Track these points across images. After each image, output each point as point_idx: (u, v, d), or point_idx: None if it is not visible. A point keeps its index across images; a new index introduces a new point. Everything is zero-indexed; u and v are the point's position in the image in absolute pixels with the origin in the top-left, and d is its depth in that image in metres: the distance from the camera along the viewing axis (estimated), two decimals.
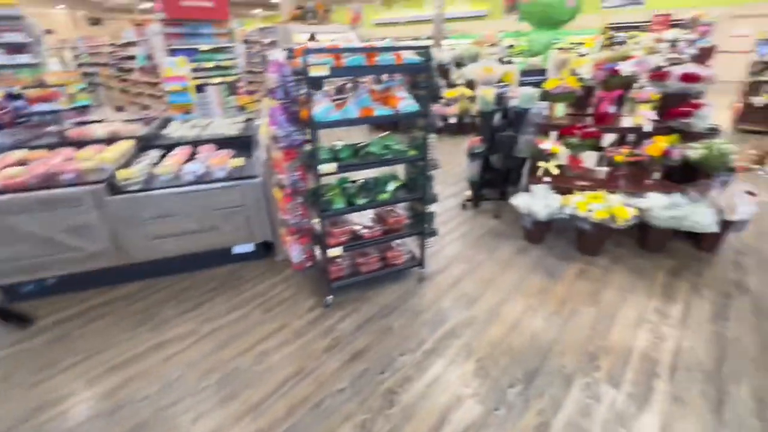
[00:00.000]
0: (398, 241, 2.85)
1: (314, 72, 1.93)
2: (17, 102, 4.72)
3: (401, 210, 2.82)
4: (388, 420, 1.81)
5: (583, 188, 3.16)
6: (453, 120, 6.96)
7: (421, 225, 2.71)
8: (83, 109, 5.86)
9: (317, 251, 2.55)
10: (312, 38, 7.50)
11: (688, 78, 3.09)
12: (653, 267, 2.91)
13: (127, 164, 2.85)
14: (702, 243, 3.06)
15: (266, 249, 3.15)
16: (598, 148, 3.71)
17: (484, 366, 2.09)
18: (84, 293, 2.74)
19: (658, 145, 2.99)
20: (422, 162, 2.49)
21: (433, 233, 2.79)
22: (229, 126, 3.93)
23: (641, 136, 3.30)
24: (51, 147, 3.15)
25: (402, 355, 2.17)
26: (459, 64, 6.85)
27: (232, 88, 6.72)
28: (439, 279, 2.86)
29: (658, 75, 3.19)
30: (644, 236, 3.10)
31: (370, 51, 2.10)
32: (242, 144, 3.34)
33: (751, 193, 2.90)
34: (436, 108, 6.95)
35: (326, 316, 2.48)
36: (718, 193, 2.93)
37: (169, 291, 2.77)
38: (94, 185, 2.50)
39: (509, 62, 6.94)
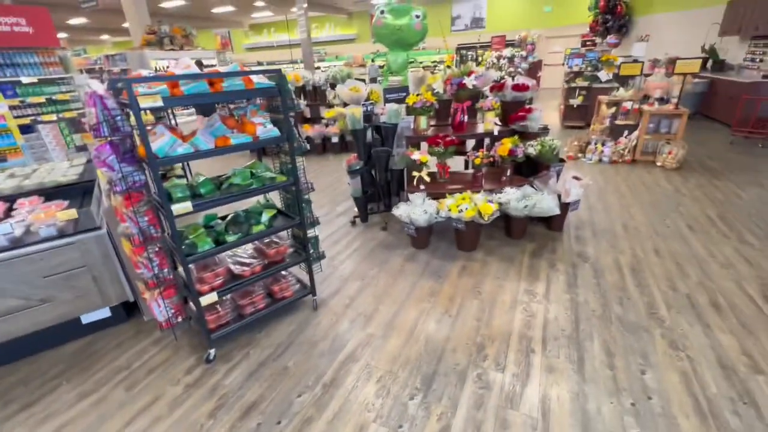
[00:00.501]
0: (285, 272, 2.69)
1: (144, 103, 1.70)
2: None
3: (283, 239, 2.67)
4: None
5: (453, 191, 3.44)
6: (335, 139, 7.04)
7: (306, 251, 2.60)
8: None
9: (188, 302, 2.24)
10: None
11: (518, 88, 3.63)
12: (519, 252, 3.29)
13: None
14: (552, 224, 3.59)
15: (128, 310, 2.67)
16: (463, 153, 4.11)
17: (384, 384, 2.06)
18: None
19: (504, 146, 3.43)
20: (294, 187, 2.40)
21: (319, 257, 2.71)
22: (63, 171, 3.27)
23: (492, 139, 3.76)
24: None
25: (300, 395, 2.02)
26: (333, 84, 6.99)
27: (74, 125, 5.69)
28: (333, 302, 2.78)
29: (496, 87, 3.69)
30: (508, 226, 3.50)
31: (214, 77, 1.94)
32: (80, 192, 2.80)
33: (577, 178, 3.52)
34: (312, 129, 6.95)
35: (209, 374, 2.18)
36: (554, 181, 3.48)
37: None
38: None
39: (376, 81, 7.35)
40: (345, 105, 6.81)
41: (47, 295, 2.25)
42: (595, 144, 5.70)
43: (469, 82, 3.56)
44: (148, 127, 1.88)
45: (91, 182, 2.91)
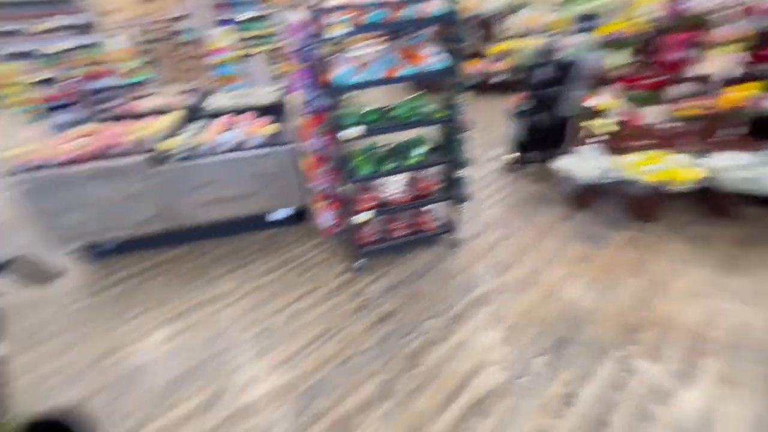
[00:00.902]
0: (431, 207, 2.80)
1: (333, 32, 1.87)
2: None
3: (433, 174, 2.74)
4: (410, 380, 1.86)
5: (641, 147, 2.84)
6: (499, 77, 6.48)
7: (453, 190, 2.62)
8: (141, 83, 6.26)
9: (347, 217, 2.58)
10: None
11: None
12: (717, 236, 2.59)
13: (172, 136, 3.03)
14: None
15: (303, 215, 3.26)
16: (660, 102, 3.26)
17: (512, 334, 2.05)
18: (145, 253, 3.06)
19: (736, 95, 2.56)
20: (452, 124, 2.37)
21: (464, 199, 2.70)
22: (267, 94, 4.01)
23: (717, 84, 2.85)
24: (113, 119, 3.43)
25: (429, 319, 2.19)
26: (504, 15, 6.26)
27: (275, 56, 6.78)
28: (473, 245, 2.79)
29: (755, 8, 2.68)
30: (710, 200, 2.75)
31: (395, 4, 1.97)
32: (278, 111, 3.40)
33: None
34: (476, 65, 6.50)
35: (355, 280, 2.55)
36: None
37: (215, 253, 3.00)
38: (137, 157, 2.71)
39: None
40: (522, 37, 6.11)
41: (253, 190, 2.93)
42: None
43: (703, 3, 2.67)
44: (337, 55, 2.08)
45: (282, 105, 3.49)
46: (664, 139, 2.91)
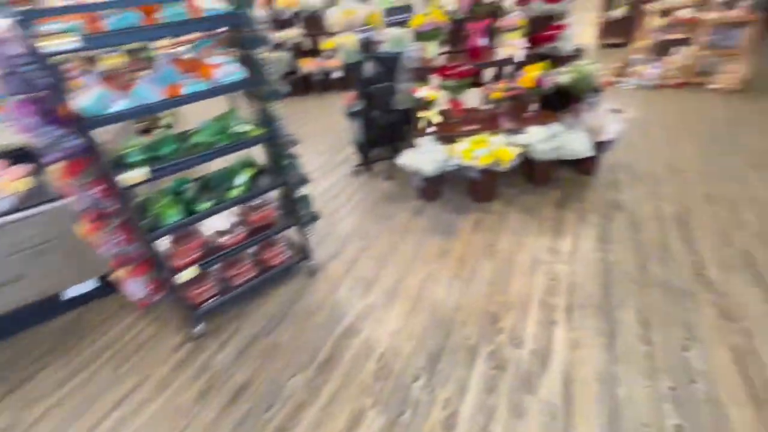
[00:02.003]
0: (276, 237, 2.42)
1: (54, 46, 1.30)
2: None
3: (270, 201, 2.36)
4: None
5: (467, 133, 2.96)
6: (337, 74, 6.36)
7: (296, 213, 2.30)
8: None
9: (166, 278, 2.02)
10: None
11: None
12: (542, 202, 2.89)
13: None
14: (582, 168, 3.11)
15: (113, 283, 2.51)
16: (480, 85, 3.52)
17: (386, 362, 1.86)
18: None
19: (530, 75, 2.85)
20: (273, 141, 2.02)
21: (313, 219, 2.41)
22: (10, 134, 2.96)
23: (515, 67, 3.15)
24: None
25: (292, 377, 1.84)
26: (323, 10, 6.11)
27: None
28: (332, 266, 2.53)
29: None
30: (531, 171, 3.06)
31: (147, 3, 1.49)
32: (32, 156, 2.51)
33: (617, 111, 2.95)
34: (310, 63, 6.25)
35: (198, 351, 2.03)
36: (588, 116, 2.93)
37: None
38: None
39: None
40: (345, 32, 6.04)
41: (18, 272, 2.08)
42: (636, 65, 4.88)
43: None
44: (75, 79, 1.50)
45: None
46: (486, 123, 3.10)
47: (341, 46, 3.00)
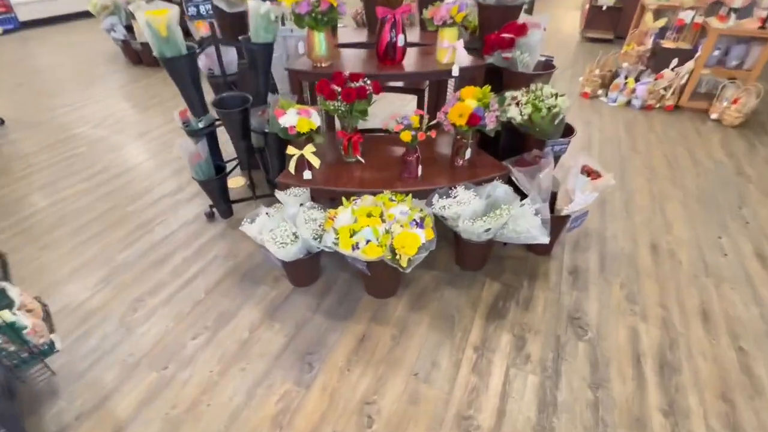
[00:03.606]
0: None
1: None
2: None
3: None
4: None
5: (358, 192, 1.86)
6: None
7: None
8: None
9: None
10: None
11: None
12: (467, 302, 1.87)
13: None
14: (532, 247, 2.12)
15: None
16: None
17: None
18: None
19: (461, 106, 1.75)
20: None
21: (32, 360, 1.28)
22: None
23: (446, 85, 2.03)
24: None
25: None
26: None
27: None
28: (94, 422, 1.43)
29: None
30: (459, 249, 2.03)
31: None
32: None
33: (591, 172, 1.92)
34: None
35: None
36: (549, 173, 1.89)
37: None
38: None
39: None
40: None
41: None
42: (626, 77, 3.86)
43: None
44: None
45: None
46: (391, 171, 2.00)
47: (145, 27, 1.74)
